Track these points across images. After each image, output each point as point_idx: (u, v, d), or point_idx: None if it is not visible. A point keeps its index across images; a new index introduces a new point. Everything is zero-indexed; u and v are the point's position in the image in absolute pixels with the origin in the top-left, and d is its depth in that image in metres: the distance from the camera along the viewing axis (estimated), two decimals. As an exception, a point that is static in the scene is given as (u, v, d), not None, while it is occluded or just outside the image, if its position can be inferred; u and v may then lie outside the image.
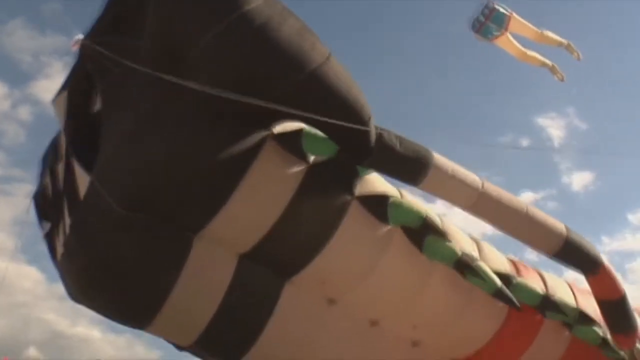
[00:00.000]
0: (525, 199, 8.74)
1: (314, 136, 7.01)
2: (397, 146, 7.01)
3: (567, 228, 7.89)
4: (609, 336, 8.92)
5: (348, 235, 7.55)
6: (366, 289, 7.89)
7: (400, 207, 7.66)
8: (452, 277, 8.20)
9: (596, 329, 8.94)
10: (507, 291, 8.24)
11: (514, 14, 10.36)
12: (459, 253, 7.92)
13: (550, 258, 7.98)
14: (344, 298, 8.03)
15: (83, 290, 7.72)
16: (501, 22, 10.30)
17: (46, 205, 8.84)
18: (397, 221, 7.69)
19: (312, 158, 7.39)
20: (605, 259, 8.14)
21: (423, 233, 7.76)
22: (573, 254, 7.92)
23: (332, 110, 6.68)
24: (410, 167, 7.10)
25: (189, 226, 7.23)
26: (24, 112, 36.59)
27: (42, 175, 9.02)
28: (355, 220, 7.56)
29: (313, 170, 7.34)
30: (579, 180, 42.23)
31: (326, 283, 7.82)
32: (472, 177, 7.40)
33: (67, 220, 7.81)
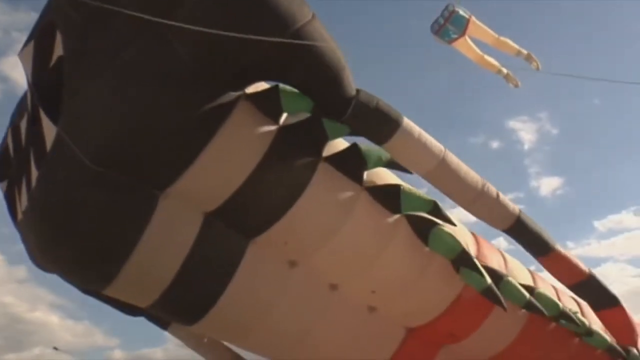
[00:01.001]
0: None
1: (291, 93, 7.15)
2: (372, 104, 7.18)
3: (520, 211, 8.16)
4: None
5: (314, 197, 7.71)
6: (328, 252, 8.05)
7: (371, 152, 7.91)
8: (411, 243, 8.47)
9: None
10: (496, 290, 8.63)
11: (473, 18, 10.50)
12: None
13: (502, 231, 8.20)
14: (305, 260, 8.18)
15: (45, 244, 7.58)
16: (460, 25, 10.45)
17: (7, 164, 8.69)
18: (374, 165, 7.98)
19: (282, 120, 7.52)
20: (556, 244, 8.39)
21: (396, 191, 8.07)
22: (523, 233, 8.17)
23: (313, 71, 6.85)
24: (381, 125, 7.27)
25: (157, 183, 7.26)
26: None
27: (4, 137, 8.87)
28: (322, 182, 7.74)
29: (283, 133, 7.48)
30: (548, 184, 42.91)
31: (289, 244, 7.94)
32: (436, 144, 7.61)
33: (34, 173, 7.70)
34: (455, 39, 10.60)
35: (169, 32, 6.58)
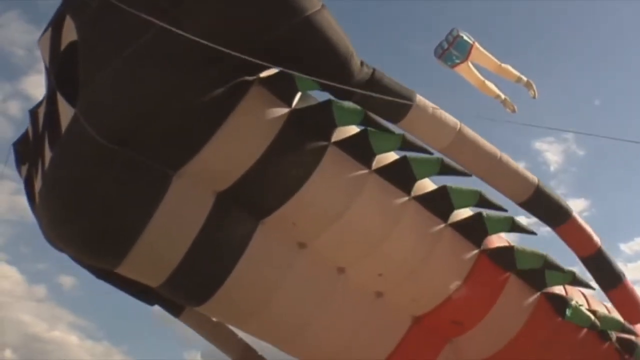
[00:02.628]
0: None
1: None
2: (384, 83, 7.32)
3: (539, 180, 8.23)
4: None
5: (323, 179, 7.89)
6: (335, 233, 8.19)
7: (380, 135, 8.02)
8: (418, 226, 8.57)
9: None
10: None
11: (477, 44, 10.57)
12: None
13: (520, 206, 8.25)
14: (313, 242, 8.32)
15: (57, 220, 7.79)
16: (463, 50, 10.48)
17: (27, 150, 8.94)
18: (380, 150, 8.11)
19: (294, 103, 7.72)
20: (575, 212, 8.44)
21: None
22: (542, 203, 8.20)
23: (322, 57, 7.04)
24: (395, 104, 7.38)
25: (171, 163, 7.47)
26: (14, 107, 35.88)
27: (28, 125, 9.13)
28: (331, 165, 7.92)
29: (294, 117, 7.70)
30: (574, 207, 42.18)
31: (297, 224, 8.10)
32: (450, 118, 7.73)
33: (47, 154, 7.93)
34: (458, 64, 10.66)
35: (181, 17, 6.79)
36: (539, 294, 9.44)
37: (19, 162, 9.25)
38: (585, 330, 9.77)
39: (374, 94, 7.13)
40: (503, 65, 10.95)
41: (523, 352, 9.38)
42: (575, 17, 36.75)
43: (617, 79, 37.41)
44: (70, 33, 7.53)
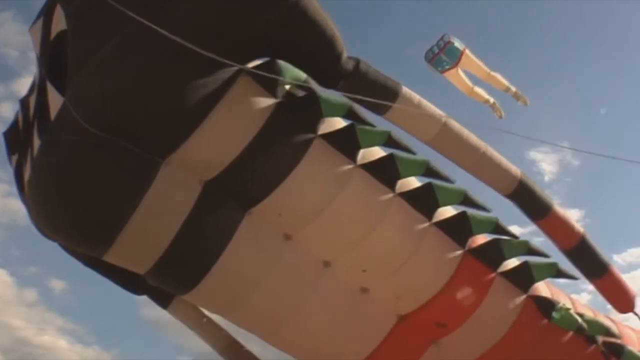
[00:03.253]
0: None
1: (288, 65, 7.52)
2: (370, 74, 7.48)
3: (522, 172, 8.37)
4: None
5: (308, 170, 7.99)
6: (320, 225, 8.27)
7: (367, 130, 8.14)
8: (402, 223, 8.64)
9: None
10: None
11: (467, 51, 10.78)
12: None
13: (505, 197, 8.39)
14: (298, 234, 8.40)
15: (47, 208, 7.85)
16: (454, 56, 10.71)
17: (17, 139, 9.03)
18: (366, 144, 8.21)
19: (281, 94, 7.83)
20: (556, 204, 8.55)
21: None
22: (526, 195, 8.36)
23: (310, 42, 7.21)
24: (380, 95, 7.52)
25: (159, 150, 7.54)
26: (5, 109, 35.79)
27: (16, 113, 9.22)
28: (317, 156, 8.02)
29: (281, 108, 7.80)
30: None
31: (283, 215, 8.19)
32: (436, 110, 7.85)
33: (36, 143, 8.01)
34: (448, 70, 10.88)
35: (172, 4, 6.90)
36: (525, 296, 9.45)
37: (10, 152, 9.33)
38: (571, 333, 9.78)
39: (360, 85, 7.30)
40: (492, 73, 11.16)
41: (510, 354, 9.39)
42: (587, 20, 36.85)
43: (625, 88, 37.74)
44: (60, 22, 7.66)
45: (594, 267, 8.87)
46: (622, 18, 35.45)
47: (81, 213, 7.64)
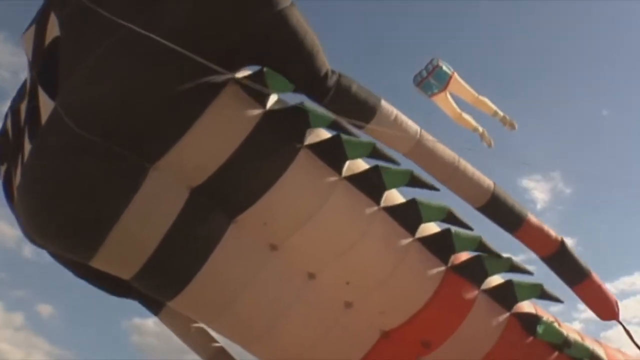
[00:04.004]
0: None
1: (275, 74, 7.70)
2: (352, 89, 7.70)
3: (495, 184, 8.53)
4: None
5: (293, 180, 8.13)
6: (304, 235, 8.39)
7: (352, 142, 8.36)
8: (385, 236, 8.78)
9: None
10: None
11: (456, 75, 10.88)
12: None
13: (478, 210, 8.55)
14: (284, 244, 8.50)
15: (35, 211, 7.90)
16: (442, 80, 10.78)
17: (6, 147, 9.13)
18: (353, 155, 8.42)
19: (268, 104, 8.03)
20: (529, 214, 8.68)
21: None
22: (498, 208, 8.54)
23: (291, 50, 7.42)
24: (361, 109, 7.75)
25: (147, 155, 7.68)
26: None
27: (4, 121, 9.33)
28: (302, 167, 8.18)
29: (267, 117, 7.98)
30: None
31: (268, 224, 8.31)
32: (411, 124, 8.08)
33: (27, 147, 8.12)
34: (436, 94, 10.96)
35: (157, 11, 7.13)
36: (508, 314, 9.51)
37: None
38: (557, 353, 9.82)
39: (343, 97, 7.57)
40: (481, 97, 11.27)
41: None
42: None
43: (627, 87, 37.53)
44: (54, 29, 7.85)
45: (574, 272, 8.99)
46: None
47: (69, 215, 7.70)
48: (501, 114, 11.34)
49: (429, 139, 8.15)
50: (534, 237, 8.73)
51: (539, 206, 37.12)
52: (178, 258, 8.04)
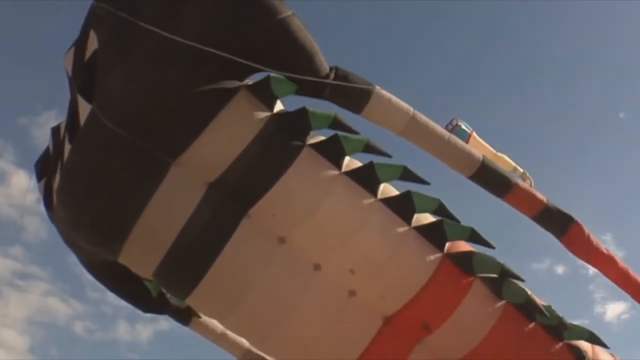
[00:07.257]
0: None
1: (279, 79, 8.85)
2: (348, 79, 8.76)
3: (484, 156, 9.38)
4: None
5: (299, 174, 9.09)
6: (310, 226, 9.23)
7: (349, 138, 9.34)
8: (384, 225, 9.60)
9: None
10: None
11: (475, 133, 11.58)
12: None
13: (469, 179, 9.30)
14: (291, 235, 9.34)
15: (71, 204, 9.05)
16: (462, 139, 10.94)
17: (47, 164, 10.33)
18: (350, 150, 9.36)
19: (275, 109, 9.17)
20: (515, 178, 9.49)
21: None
22: (488, 175, 9.27)
23: (292, 54, 8.64)
24: (357, 97, 8.78)
25: (169, 151, 8.80)
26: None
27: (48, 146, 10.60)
28: (306, 163, 9.14)
29: (274, 119, 9.09)
30: (613, 310, 43.83)
31: (276, 216, 9.22)
32: (404, 105, 9.00)
33: (67, 149, 9.30)
34: None
35: (182, 27, 8.50)
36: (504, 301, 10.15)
37: (39, 179, 10.55)
38: (561, 344, 10.31)
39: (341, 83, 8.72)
40: (499, 154, 11.91)
41: (493, 355, 9.96)
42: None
43: None
44: (94, 43, 9.17)
45: (561, 223, 9.51)
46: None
47: (101, 206, 8.82)
48: (521, 170, 11.88)
49: (422, 117, 9.07)
50: (523, 200, 9.42)
51: (590, 272, 36.95)
52: (194, 249, 8.96)
